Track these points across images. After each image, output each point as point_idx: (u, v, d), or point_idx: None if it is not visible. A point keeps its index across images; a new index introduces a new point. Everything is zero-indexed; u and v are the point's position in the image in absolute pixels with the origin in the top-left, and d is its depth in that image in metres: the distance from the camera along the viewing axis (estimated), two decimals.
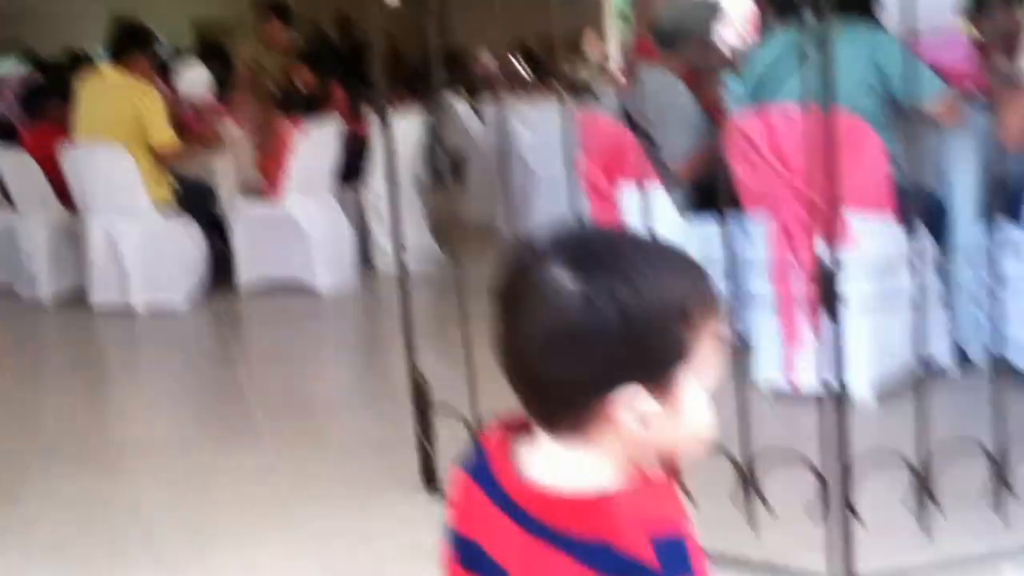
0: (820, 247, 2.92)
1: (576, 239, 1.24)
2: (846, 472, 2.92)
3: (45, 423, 4.98)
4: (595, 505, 1.20)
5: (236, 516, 3.67)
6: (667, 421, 1.20)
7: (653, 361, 1.18)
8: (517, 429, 1.27)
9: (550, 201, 7.88)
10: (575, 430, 1.21)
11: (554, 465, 1.23)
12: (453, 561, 1.33)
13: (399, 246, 3.84)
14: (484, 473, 1.27)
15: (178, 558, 3.41)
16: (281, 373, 5.58)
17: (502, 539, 1.25)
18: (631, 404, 1.18)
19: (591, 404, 1.19)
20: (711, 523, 3.08)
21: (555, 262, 1.18)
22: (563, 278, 1.17)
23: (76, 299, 7.71)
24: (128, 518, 3.74)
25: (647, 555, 1.19)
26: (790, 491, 3.14)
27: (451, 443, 3.39)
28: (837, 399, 2.89)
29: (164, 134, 7.20)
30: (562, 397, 1.21)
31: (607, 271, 1.17)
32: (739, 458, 3.11)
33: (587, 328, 1.16)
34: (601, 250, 1.21)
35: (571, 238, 1.23)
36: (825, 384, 2.90)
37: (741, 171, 4.29)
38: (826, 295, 2.84)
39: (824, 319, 2.88)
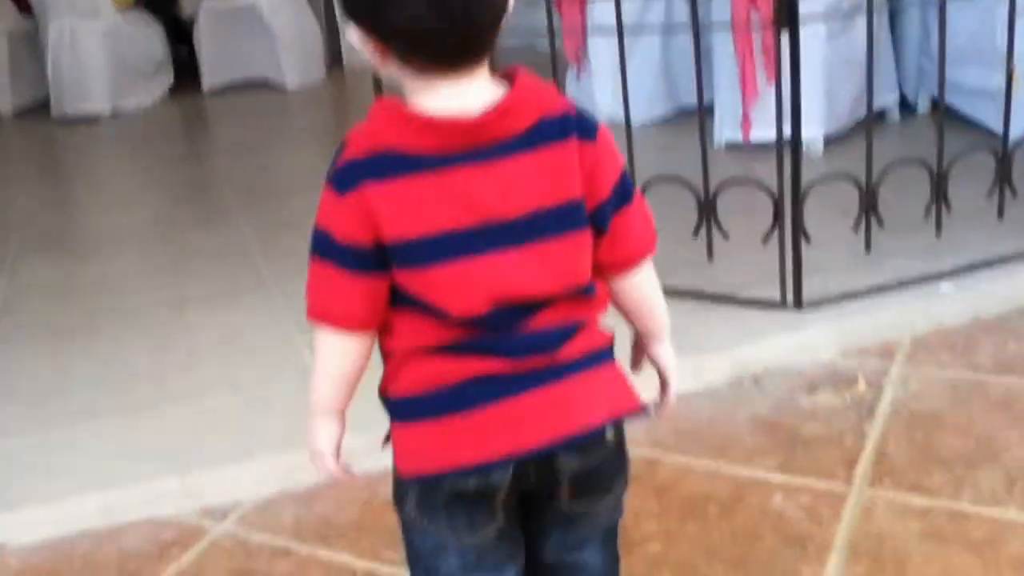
0: None
1: None
2: (798, 199, 3.08)
3: (14, 223, 5.08)
4: (524, 94, 1.43)
5: (211, 283, 3.85)
6: None
7: None
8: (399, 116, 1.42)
9: None
10: (484, 61, 1.43)
11: (482, 93, 1.42)
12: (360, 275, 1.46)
13: None
14: (402, 161, 1.41)
15: (155, 320, 3.58)
16: (250, 163, 5.69)
17: (463, 194, 1.41)
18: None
19: (494, 37, 1.42)
20: (673, 260, 3.36)
21: None
22: None
23: (38, 111, 7.76)
24: (104, 294, 3.90)
25: (570, 108, 1.46)
26: (744, 229, 3.43)
27: None
28: (793, 122, 3.01)
29: None
30: (489, 34, 1.41)
31: None
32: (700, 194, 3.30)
33: None
34: None
35: None
36: (779, 115, 3.03)
37: None
38: (788, 15, 2.93)
39: (780, 67, 3.00)
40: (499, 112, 1.40)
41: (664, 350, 1.68)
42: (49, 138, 7.27)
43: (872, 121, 3.39)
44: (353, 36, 1.41)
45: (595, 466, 1.52)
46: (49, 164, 6.65)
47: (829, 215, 3.48)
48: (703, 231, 3.38)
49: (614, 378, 1.53)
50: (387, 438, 1.53)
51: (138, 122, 7.35)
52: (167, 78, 7.79)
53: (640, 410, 1.54)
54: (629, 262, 1.54)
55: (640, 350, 1.69)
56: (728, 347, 2.95)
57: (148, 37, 7.62)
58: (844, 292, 3.16)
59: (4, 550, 2.46)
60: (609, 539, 1.67)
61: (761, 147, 4.54)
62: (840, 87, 4.65)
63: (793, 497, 2.33)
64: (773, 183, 3.12)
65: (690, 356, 2.88)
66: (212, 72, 7.69)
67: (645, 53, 5.27)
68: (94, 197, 5.74)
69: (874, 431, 2.58)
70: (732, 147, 4.77)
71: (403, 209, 1.41)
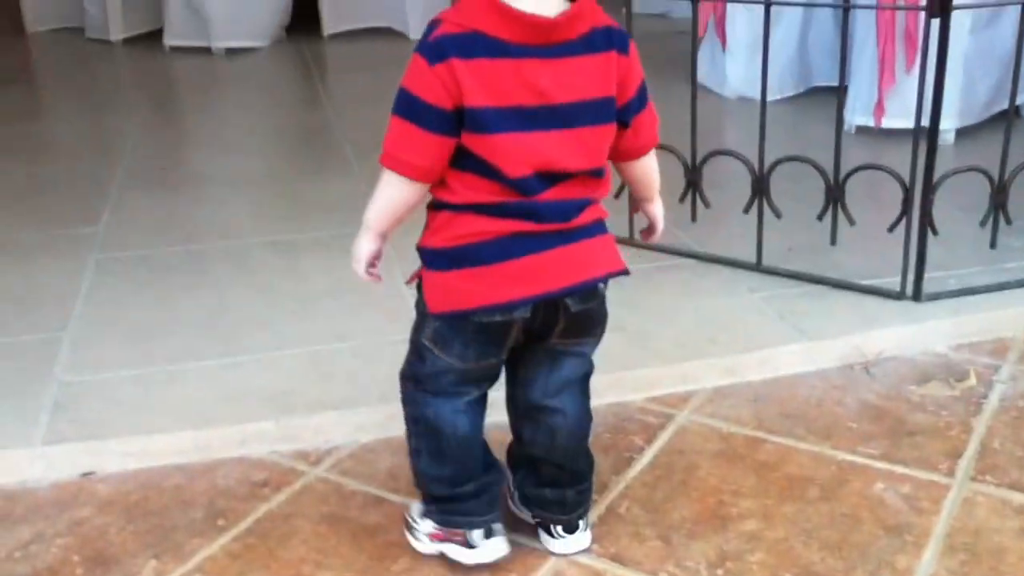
0: None
1: None
2: (929, 191, 3.18)
3: (125, 151, 5.30)
4: (584, 7, 1.87)
5: (322, 231, 3.98)
6: None
7: None
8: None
9: None
10: None
11: (554, 2, 1.85)
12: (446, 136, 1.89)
13: None
14: (489, 45, 1.83)
15: (262, 264, 3.73)
16: (368, 113, 5.72)
17: (531, 80, 1.85)
18: None
19: None
20: (796, 244, 3.50)
21: None
22: None
23: (149, 39, 7.99)
24: (210, 234, 4.06)
25: (612, 22, 1.94)
26: (868, 215, 3.58)
27: None
28: (933, 112, 3.10)
29: None
30: None
31: None
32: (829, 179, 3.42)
33: None
34: None
35: None
36: (920, 104, 3.13)
37: None
38: (940, 2, 3.00)
39: (924, 55, 3.08)
40: (568, 17, 1.85)
41: (656, 207, 2.26)
42: (161, 69, 7.50)
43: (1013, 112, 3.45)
44: None
45: (588, 310, 2.05)
46: (159, 96, 6.87)
47: (954, 208, 3.58)
48: (828, 215, 3.49)
49: (609, 244, 2.05)
50: (413, 277, 2.07)
51: (253, 61, 7.55)
52: (285, 16, 7.91)
53: (625, 271, 2.05)
54: (644, 149, 2.11)
55: (637, 205, 2.32)
56: (842, 333, 3.07)
57: None
58: (964, 287, 3.28)
59: (94, 477, 2.61)
60: (584, 389, 2.20)
61: (891, 133, 4.66)
62: (978, 81, 4.75)
63: (894, 485, 2.45)
64: (903, 171, 3.23)
65: (804, 339, 3.03)
66: (334, 15, 7.79)
67: (784, 30, 5.40)
68: (203, 134, 5.94)
69: (980, 426, 2.69)
70: (862, 131, 4.87)
71: (483, 84, 1.84)
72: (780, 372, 2.97)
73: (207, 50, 7.61)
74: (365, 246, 2.07)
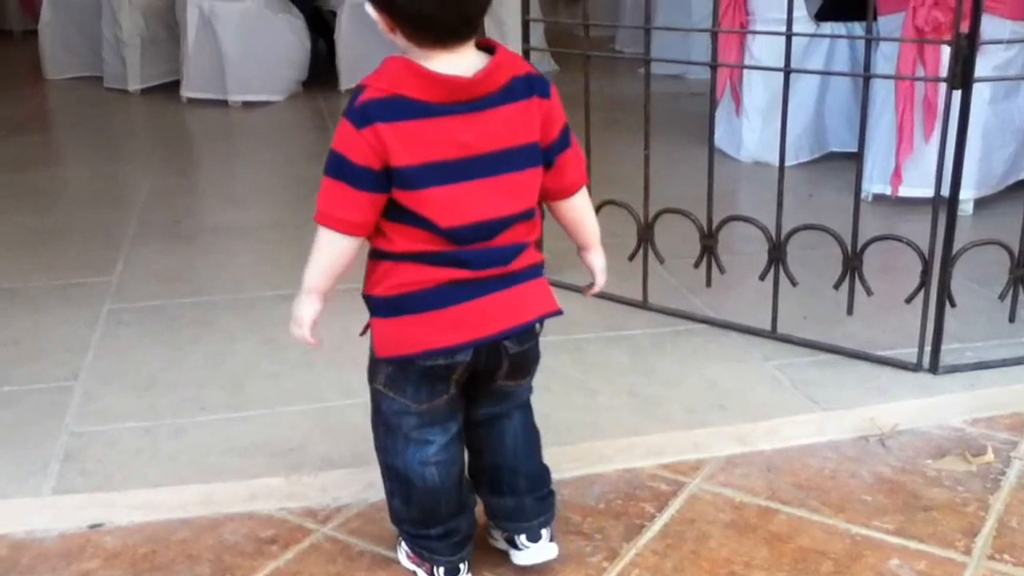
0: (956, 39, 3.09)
1: None
2: (948, 262, 3.17)
3: (139, 201, 5.33)
4: (501, 61, 2.01)
5: None
6: None
7: None
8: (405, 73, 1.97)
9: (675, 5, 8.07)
10: (473, 39, 2.01)
11: (471, 61, 2.00)
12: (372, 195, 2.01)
13: (526, 46, 4.05)
14: (411, 107, 1.96)
15: (270, 317, 3.71)
16: None
17: (453, 135, 1.98)
18: None
19: (482, 20, 2.02)
20: (811, 313, 3.50)
21: None
22: None
23: (166, 89, 8.05)
24: (219, 286, 4.08)
25: (532, 70, 2.08)
26: (884, 285, 3.57)
27: None
28: (953, 183, 3.09)
29: None
30: (479, 18, 1.99)
31: None
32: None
33: None
34: None
35: None
36: (940, 174, 3.12)
37: None
38: (962, 75, 3.01)
39: (945, 125, 3.08)
40: (485, 74, 1.98)
41: (594, 256, 2.35)
42: (177, 119, 7.55)
43: None
44: (370, 9, 2.01)
45: (526, 351, 2.18)
46: (175, 146, 6.90)
47: (971, 280, 3.57)
48: (844, 284, 3.47)
49: (543, 287, 2.17)
50: (365, 329, 2.19)
51: (269, 113, 7.59)
52: (302, 71, 7.98)
53: (559, 311, 2.18)
54: (571, 189, 2.21)
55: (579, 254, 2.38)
56: (857, 404, 3.05)
57: (287, 26, 7.81)
58: (981, 361, 3.26)
59: (102, 529, 2.60)
60: (527, 410, 2.35)
61: (907, 202, 4.66)
62: (996, 151, 4.77)
63: (909, 562, 2.42)
64: (919, 241, 3.22)
65: (818, 409, 3.02)
66: (350, 71, 7.83)
67: (801, 95, 5.41)
68: (217, 185, 5.96)
69: (998, 503, 2.66)
70: (878, 199, 4.87)
71: (407, 144, 1.96)
72: (793, 442, 2.95)
73: (223, 102, 7.66)
74: (308, 308, 2.19)
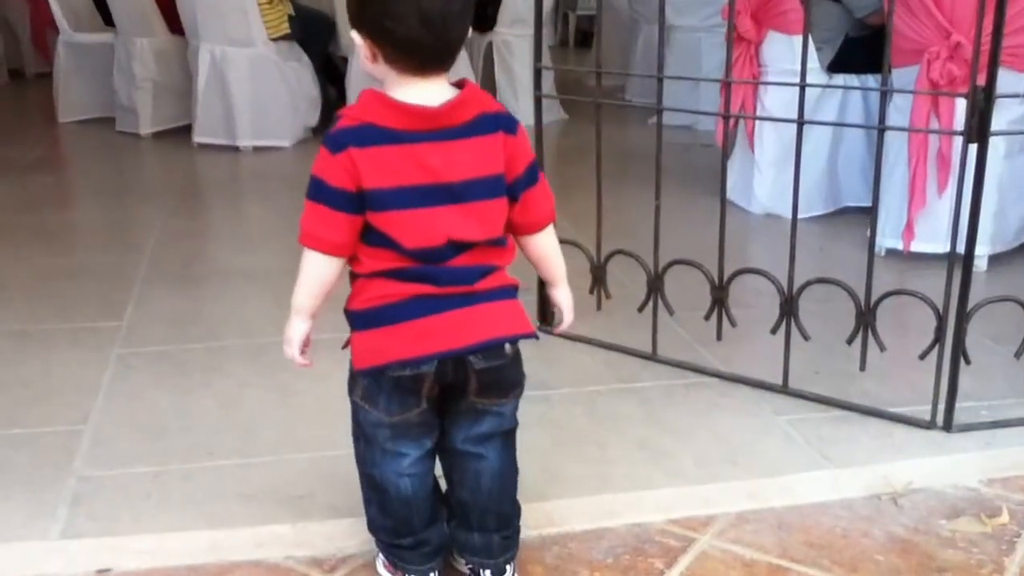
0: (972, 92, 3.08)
1: None
2: (963, 319, 3.15)
3: (150, 244, 5.32)
4: (469, 96, 2.14)
5: (341, 332, 3.95)
6: None
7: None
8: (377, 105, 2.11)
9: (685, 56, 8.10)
10: (447, 70, 2.15)
11: (441, 92, 2.14)
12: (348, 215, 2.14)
13: (538, 93, 4.02)
14: (380, 134, 2.09)
15: (280, 364, 3.56)
16: None
17: (421, 161, 2.10)
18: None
19: (457, 53, 2.14)
20: (823, 368, 3.48)
21: None
22: None
23: (177, 133, 8.07)
24: (229, 331, 4.08)
25: (501, 108, 2.20)
26: (897, 340, 3.55)
27: None
28: (969, 239, 3.08)
29: None
30: (456, 49, 2.12)
31: None
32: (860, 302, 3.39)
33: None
34: None
35: None
36: (955, 229, 3.12)
37: (901, 23, 4.52)
38: (978, 128, 3.00)
39: (961, 180, 3.08)
40: (452, 106, 2.11)
41: (561, 292, 2.46)
42: (188, 163, 7.55)
43: None
44: (355, 37, 2.12)
45: (496, 369, 2.22)
46: (185, 190, 6.90)
47: (986, 337, 3.56)
48: (857, 339, 3.45)
49: (515, 309, 2.25)
50: (347, 343, 2.28)
51: (279, 158, 7.59)
52: (312, 117, 8.01)
53: (532, 334, 2.28)
54: (537, 225, 2.31)
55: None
56: (870, 462, 3.04)
57: (298, 72, 7.83)
58: (996, 420, 3.25)
59: (109, 575, 2.59)
60: (508, 444, 2.40)
61: (920, 257, 4.65)
62: (1011, 206, 4.76)
63: None
64: (933, 296, 3.22)
65: (830, 466, 3.00)
66: None
67: (814, 147, 5.40)
68: (227, 229, 5.97)
69: (1013, 566, 2.64)
70: (891, 254, 4.87)
71: (377, 168, 2.09)
72: (805, 499, 2.93)
73: (234, 147, 7.68)
74: (297, 329, 2.33)
